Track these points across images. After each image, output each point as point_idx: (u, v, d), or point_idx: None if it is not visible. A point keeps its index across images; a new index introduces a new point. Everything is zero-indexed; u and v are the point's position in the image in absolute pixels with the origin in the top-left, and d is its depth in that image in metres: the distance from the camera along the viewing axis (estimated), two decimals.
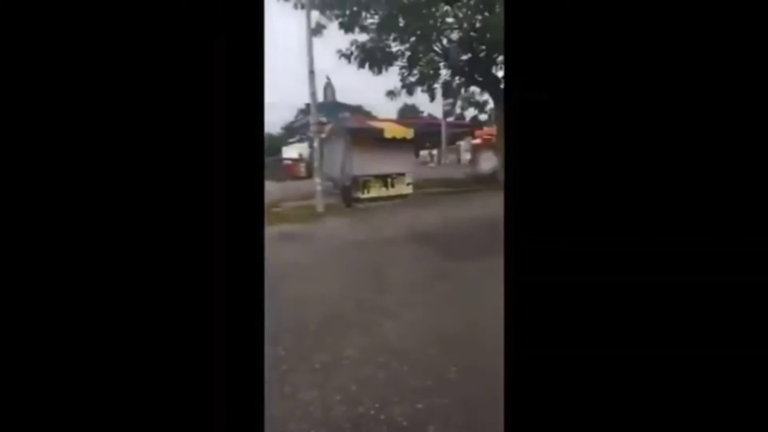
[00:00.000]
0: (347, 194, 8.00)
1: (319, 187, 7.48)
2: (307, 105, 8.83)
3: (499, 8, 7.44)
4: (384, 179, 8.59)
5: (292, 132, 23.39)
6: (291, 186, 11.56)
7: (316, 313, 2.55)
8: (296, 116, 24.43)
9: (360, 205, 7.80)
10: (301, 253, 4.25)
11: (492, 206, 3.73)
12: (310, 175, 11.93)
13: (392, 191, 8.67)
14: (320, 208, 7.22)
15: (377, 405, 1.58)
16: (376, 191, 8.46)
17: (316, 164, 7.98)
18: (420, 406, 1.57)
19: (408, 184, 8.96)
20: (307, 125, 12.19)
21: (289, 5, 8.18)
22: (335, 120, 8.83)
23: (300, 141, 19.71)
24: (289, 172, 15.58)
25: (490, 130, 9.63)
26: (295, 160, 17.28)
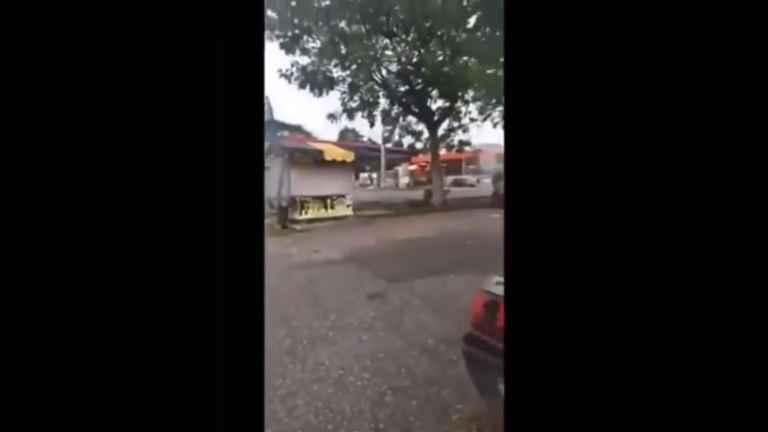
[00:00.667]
0: (283, 215, 7.74)
1: None
2: None
3: (433, 47, 8.14)
4: (324, 200, 8.51)
5: None
6: None
7: None
8: None
9: (297, 226, 7.58)
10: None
11: (432, 229, 3.91)
12: None
13: (332, 212, 8.61)
14: None
15: None
16: (314, 212, 8.32)
17: None
18: None
19: (348, 206, 8.99)
20: None
21: None
22: (273, 138, 8.60)
23: None
24: None
25: (426, 158, 10.24)
26: None
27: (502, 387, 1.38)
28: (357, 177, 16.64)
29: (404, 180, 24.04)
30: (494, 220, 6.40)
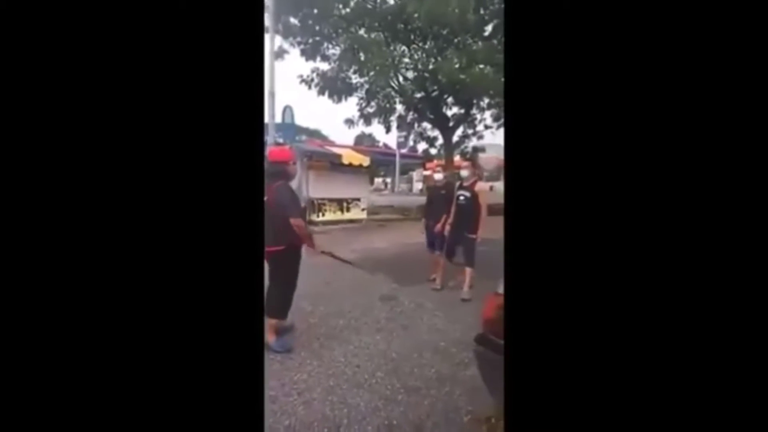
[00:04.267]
0: None
1: None
2: (265, 125, 8.77)
3: (450, 54, 8.21)
4: (340, 203, 8.66)
5: None
6: None
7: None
8: None
9: (314, 228, 7.72)
10: None
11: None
12: None
13: (347, 215, 8.74)
14: None
15: (326, 429, 1.59)
16: (331, 215, 8.47)
17: None
18: (370, 429, 1.61)
19: (363, 210, 9.11)
20: None
21: None
22: (292, 142, 8.82)
23: None
24: None
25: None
26: None
27: None
28: (372, 182, 16.77)
29: (418, 185, 24.05)
30: None
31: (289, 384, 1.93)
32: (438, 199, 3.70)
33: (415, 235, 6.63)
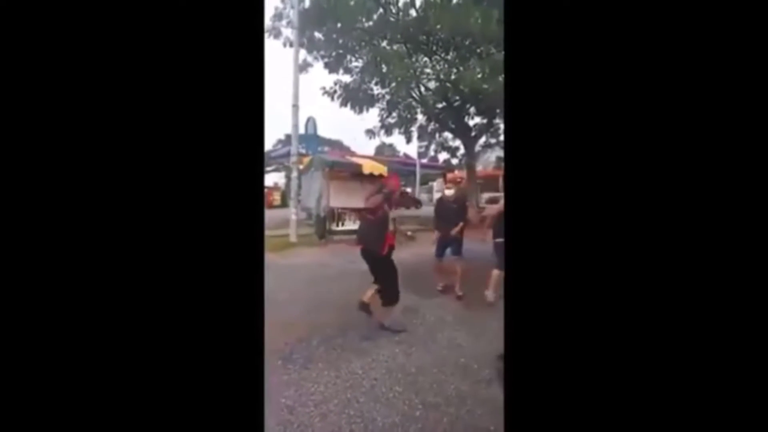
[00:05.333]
0: (321, 225, 7.99)
1: (293, 217, 7.44)
2: (287, 136, 9.00)
3: (472, 64, 8.19)
4: (360, 213, 8.70)
5: (269, 161, 23.56)
6: (265, 214, 11.35)
7: (280, 341, 2.49)
8: (274, 146, 24.70)
9: (334, 237, 7.78)
10: (270, 283, 4.14)
11: (466, 243, 3.89)
12: (284, 204, 11.79)
13: None
14: (293, 238, 7.13)
15: None
16: (351, 224, 8.52)
17: (292, 194, 8.00)
18: None
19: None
20: (284, 155, 12.25)
21: (279, 43, 8.59)
22: (315, 152, 9.01)
23: (276, 170, 19.79)
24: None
25: (461, 173, 10.16)
26: (269, 189, 17.27)
27: None
28: None
29: (438, 195, 23.86)
30: None
31: (306, 395, 1.91)
32: (448, 212, 3.80)
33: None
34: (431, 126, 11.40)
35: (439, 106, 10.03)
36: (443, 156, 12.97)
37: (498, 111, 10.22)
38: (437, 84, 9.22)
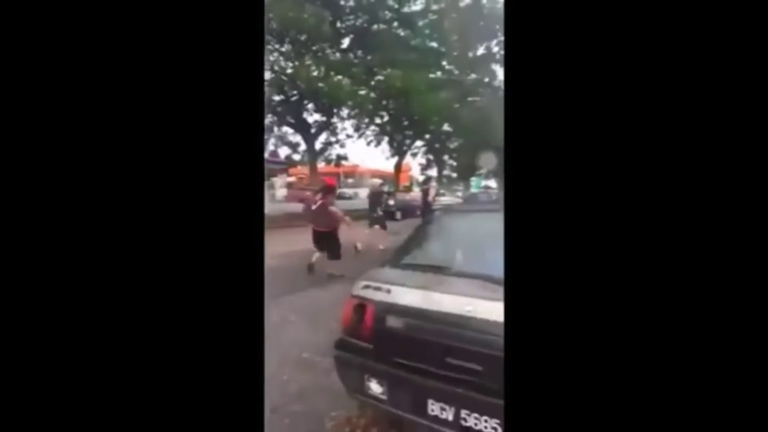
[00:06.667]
0: None
1: None
2: None
3: (308, 60, 8.22)
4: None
5: None
6: None
7: None
8: None
9: None
10: None
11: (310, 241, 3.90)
12: None
13: None
14: None
15: None
16: None
17: None
18: None
19: None
20: None
21: None
22: None
23: None
24: None
25: (304, 170, 10.18)
26: None
27: (370, 385, 1.48)
28: None
29: (281, 192, 23.13)
30: (372, 232, 6.75)
31: None
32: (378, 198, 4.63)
33: (282, 244, 6.31)
34: (268, 118, 10.87)
35: (276, 98, 9.66)
36: (284, 151, 12.60)
37: (335, 110, 10.66)
38: (273, 75, 8.84)
